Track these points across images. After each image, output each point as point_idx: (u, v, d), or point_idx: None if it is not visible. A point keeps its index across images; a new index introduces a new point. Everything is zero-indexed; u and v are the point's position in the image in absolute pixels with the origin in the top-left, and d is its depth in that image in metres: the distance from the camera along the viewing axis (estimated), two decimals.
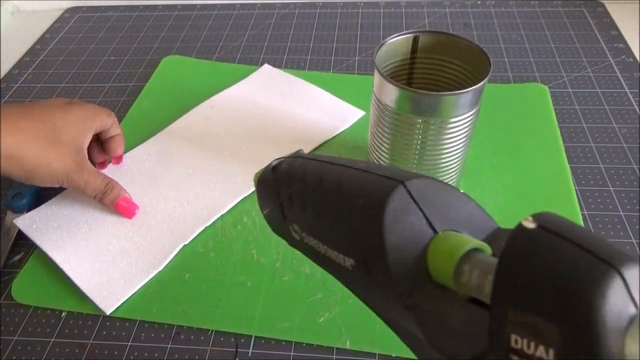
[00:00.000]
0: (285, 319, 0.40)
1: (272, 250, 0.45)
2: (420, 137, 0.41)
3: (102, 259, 0.45)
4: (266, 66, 0.65)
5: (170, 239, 0.46)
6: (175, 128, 0.58)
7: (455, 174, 0.46)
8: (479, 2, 0.77)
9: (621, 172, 0.50)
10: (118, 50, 0.73)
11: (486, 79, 0.40)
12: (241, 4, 0.81)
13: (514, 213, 0.46)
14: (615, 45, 0.67)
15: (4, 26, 0.81)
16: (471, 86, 0.39)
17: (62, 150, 0.45)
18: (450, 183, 0.36)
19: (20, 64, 0.72)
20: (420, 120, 0.40)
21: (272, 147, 0.55)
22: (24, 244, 0.48)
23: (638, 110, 0.57)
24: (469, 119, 0.41)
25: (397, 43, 0.45)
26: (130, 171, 0.53)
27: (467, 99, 0.39)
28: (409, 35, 0.44)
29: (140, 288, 0.43)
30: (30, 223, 0.48)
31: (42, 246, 0.46)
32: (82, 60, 0.72)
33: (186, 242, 0.46)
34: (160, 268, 0.44)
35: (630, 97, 0.59)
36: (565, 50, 0.67)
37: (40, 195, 0.52)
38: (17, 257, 0.47)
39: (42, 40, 0.77)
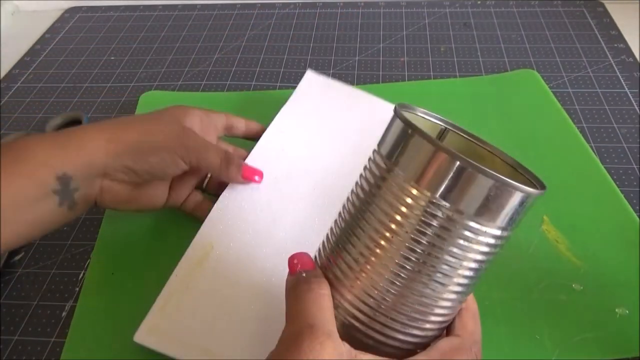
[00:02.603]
0: None
1: None
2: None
3: None
4: (310, 74, 0.57)
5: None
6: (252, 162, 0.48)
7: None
8: (479, 2, 0.77)
9: (621, 172, 0.50)
10: (118, 50, 0.73)
11: (539, 192, 0.27)
12: (241, 4, 0.81)
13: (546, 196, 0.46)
14: (615, 45, 0.67)
15: (4, 26, 0.81)
16: None
17: (163, 121, 0.42)
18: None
19: (21, 64, 0.72)
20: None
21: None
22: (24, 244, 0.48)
23: (638, 110, 0.57)
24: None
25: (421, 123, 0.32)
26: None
27: None
28: (437, 122, 0.32)
29: None
30: (157, 337, 0.39)
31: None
32: (83, 60, 0.72)
33: None
34: None
35: (630, 97, 0.59)
36: (565, 50, 0.67)
37: None
38: (17, 257, 0.47)
39: (42, 41, 0.77)
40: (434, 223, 0.26)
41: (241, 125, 0.49)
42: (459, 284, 0.27)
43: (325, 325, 0.27)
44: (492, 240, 0.26)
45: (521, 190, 0.25)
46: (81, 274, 0.45)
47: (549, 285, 0.41)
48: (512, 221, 0.26)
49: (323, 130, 0.53)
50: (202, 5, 0.82)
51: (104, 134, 0.39)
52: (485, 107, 0.58)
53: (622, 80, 0.61)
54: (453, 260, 0.26)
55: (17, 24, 0.83)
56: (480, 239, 0.26)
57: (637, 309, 0.39)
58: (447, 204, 0.25)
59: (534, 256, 0.43)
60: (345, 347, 0.27)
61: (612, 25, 0.71)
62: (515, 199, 0.25)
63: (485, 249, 0.27)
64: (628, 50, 0.66)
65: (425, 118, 0.32)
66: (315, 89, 0.56)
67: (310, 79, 0.57)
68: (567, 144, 0.53)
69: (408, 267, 0.26)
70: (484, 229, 0.26)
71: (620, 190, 0.48)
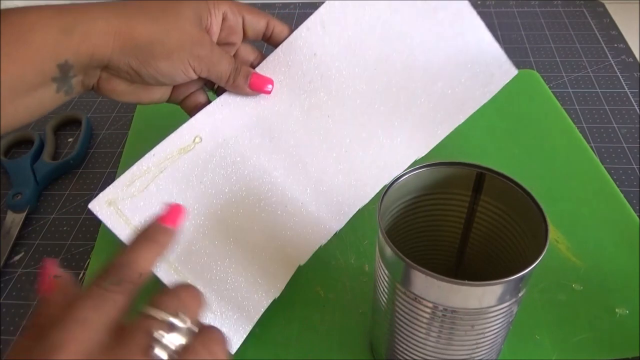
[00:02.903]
0: None
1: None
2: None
3: (215, 280, 0.37)
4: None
5: (292, 250, 0.39)
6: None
7: None
8: (479, 2, 0.77)
9: (621, 172, 0.50)
10: None
11: (538, 260, 0.26)
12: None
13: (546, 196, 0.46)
14: (615, 45, 0.67)
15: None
16: (519, 264, 0.31)
17: (180, 18, 0.37)
18: None
19: None
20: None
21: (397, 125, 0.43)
22: (24, 244, 0.48)
23: (638, 110, 0.57)
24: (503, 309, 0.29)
25: (456, 173, 0.33)
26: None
27: (505, 287, 0.27)
28: (471, 169, 0.32)
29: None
30: (111, 212, 0.36)
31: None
32: None
33: (302, 263, 0.39)
34: (278, 294, 0.38)
35: (630, 97, 0.59)
36: (565, 50, 0.67)
37: (41, 195, 0.52)
38: (17, 257, 0.47)
39: None
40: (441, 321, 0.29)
41: (285, 33, 0.43)
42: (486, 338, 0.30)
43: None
44: (497, 313, 0.28)
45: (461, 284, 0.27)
46: (81, 274, 0.45)
47: (549, 285, 0.41)
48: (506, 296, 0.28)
49: (377, 39, 0.43)
50: None
51: (114, 25, 0.35)
52: (486, 107, 0.57)
53: (622, 80, 0.61)
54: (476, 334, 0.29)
55: None
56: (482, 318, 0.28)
57: (637, 309, 0.39)
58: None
59: None
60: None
61: (612, 25, 0.71)
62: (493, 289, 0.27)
63: (496, 319, 0.29)
64: (628, 50, 0.66)
65: (461, 167, 0.32)
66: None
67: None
68: (567, 144, 0.53)
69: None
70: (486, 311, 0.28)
71: (620, 190, 0.48)
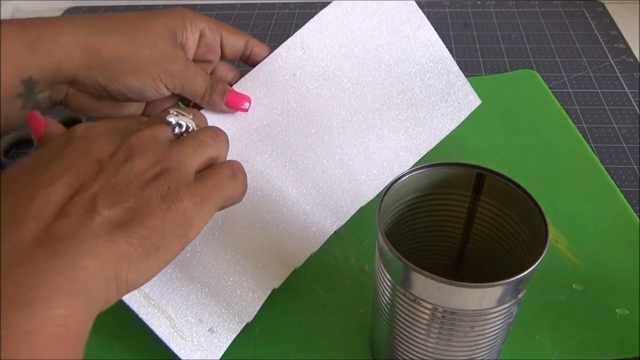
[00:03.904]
0: None
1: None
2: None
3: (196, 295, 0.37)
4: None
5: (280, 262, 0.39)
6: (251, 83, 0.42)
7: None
8: (479, 2, 0.77)
9: (621, 172, 0.50)
10: None
11: (538, 262, 0.27)
12: (241, 4, 0.81)
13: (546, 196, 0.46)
14: (615, 45, 0.67)
15: None
16: (523, 260, 0.31)
17: (152, 33, 0.36)
18: None
19: None
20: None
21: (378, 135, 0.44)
22: None
23: (638, 110, 0.57)
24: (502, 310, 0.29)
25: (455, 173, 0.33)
26: None
27: (503, 290, 0.27)
28: (471, 170, 0.32)
29: None
30: None
31: None
32: None
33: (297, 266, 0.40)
34: (252, 317, 0.38)
35: (630, 97, 0.59)
36: (565, 50, 0.67)
37: None
38: None
39: None
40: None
41: (264, 54, 0.42)
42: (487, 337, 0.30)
43: None
44: (497, 313, 0.28)
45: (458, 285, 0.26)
46: None
47: (549, 285, 0.41)
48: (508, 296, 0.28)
49: (354, 63, 0.44)
50: (202, 5, 0.82)
51: (81, 40, 0.34)
52: (486, 107, 0.57)
53: (622, 80, 0.61)
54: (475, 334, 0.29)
55: None
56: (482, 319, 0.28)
57: (637, 309, 0.39)
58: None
59: None
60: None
61: (612, 25, 0.71)
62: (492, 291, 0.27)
63: (496, 319, 0.29)
64: (628, 50, 0.66)
65: (461, 168, 0.32)
66: (359, 7, 0.44)
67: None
68: (567, 144, 0.52)
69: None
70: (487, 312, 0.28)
71: (620, 190, 0.48)
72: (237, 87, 0.41)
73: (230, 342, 0.37)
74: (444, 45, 0.46)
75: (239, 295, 0.38)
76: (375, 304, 0.33)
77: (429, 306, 0.28)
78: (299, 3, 0.80)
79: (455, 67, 0.47)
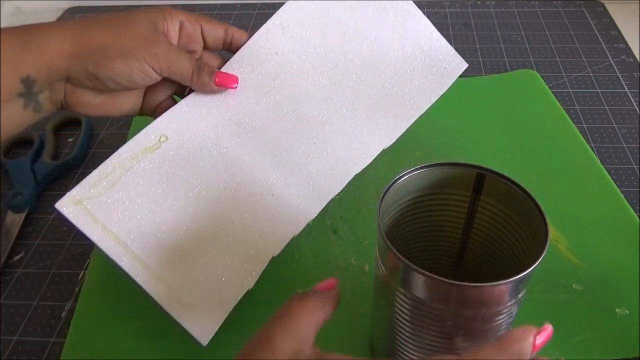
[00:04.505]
0: None
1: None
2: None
3: (189, 264, 0.38)
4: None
5: (274, 234, 0.40)
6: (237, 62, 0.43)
7: None
8: (479, 2, 0.77)
9: (621, 172, 0.50)
10: None
11: (538, 262, 0.26)
12: (241, 4, 0.81)
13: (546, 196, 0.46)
14: (615, 45, 0.67)
15: (4, 26, 0.81)
16: (523, 260, 0.31)
17: (133, 24, 0.38)
18: None
19: None
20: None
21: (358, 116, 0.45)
22: (24, 244, 0.48)
23: (638, 110, 0.57)
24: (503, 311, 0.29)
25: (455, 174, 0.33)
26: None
27: (506, 289, 0.27)
28: (471, 170, 0.32)
29: None
30: (79, 211, 0.37)
31: (103, 246, 0.37)
32: None
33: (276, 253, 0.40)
34: (251, 285, 0.38)
35: (630, 97, 0.59)
36: (565, 50, 0.67)
37: (41, 195, 0.52)
38: (17, 257, 0.47)
39: None
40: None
41: (244, 39, 0.44)
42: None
43: (290, 326, 0.26)
44: (502, 315, 0.28)
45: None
46: (81, 274, 0.45)
47: (549, 285, 0.41)
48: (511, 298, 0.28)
49: (335, 38, 0.45)
50: (202, 5, 0.82)
51: (68, 35, 0.36)
52: (485, 107, 0.58)
53: (622, 80, 0.61)
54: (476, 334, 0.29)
55: (17, 24, 0.82)
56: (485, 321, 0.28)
57: (637, 309, 0.39)
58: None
59: None
60: (310, 349, 0.26)
61: (612, 25, 0.71)
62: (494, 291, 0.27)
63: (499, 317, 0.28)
64: (628, 50, 0.66)
65: (461, 168, 0.32)
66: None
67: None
68: (567, 144, 0.53)
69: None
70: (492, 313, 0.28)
71: (620, 190, 0.48)
72: (223, 70, 0.43)
73: (230, 309, 0.38)
74: (422, 14, 0.47)
75: (236, 264, 0.39)
76: (375, 303, 0.33)
77: (429, 306, 0.28)
78: None
79: (436, 34, 0.47)
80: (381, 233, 0.28)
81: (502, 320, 0.29)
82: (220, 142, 0.42)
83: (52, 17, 0.82)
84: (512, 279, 0.26)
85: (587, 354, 0.37)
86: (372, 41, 0.46)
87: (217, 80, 0.41)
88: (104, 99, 0.40)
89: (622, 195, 0.47)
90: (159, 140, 0.40)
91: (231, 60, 0.43)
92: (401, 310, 0.29)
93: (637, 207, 0.47)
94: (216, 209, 0.40)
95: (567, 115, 0.55)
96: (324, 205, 0.42)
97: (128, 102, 0.41)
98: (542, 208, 0.29)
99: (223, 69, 0.43)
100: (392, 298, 0.30)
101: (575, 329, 0.38)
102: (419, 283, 0.27)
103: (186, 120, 0.41)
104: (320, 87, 0.44)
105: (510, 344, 0.25)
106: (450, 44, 0.70)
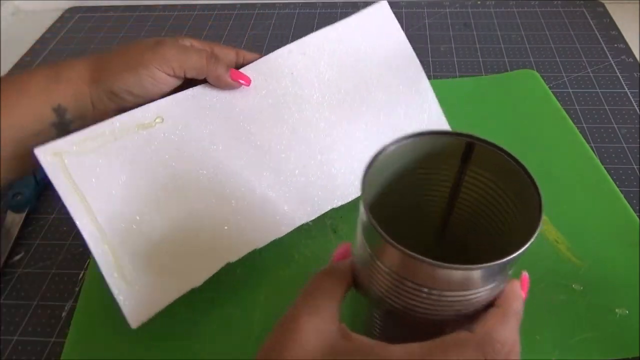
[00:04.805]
0: None
1: None
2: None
3: (145, 248, 0.38)
4: (383, 6, 0.48)
5: (227, 244, 0.40)
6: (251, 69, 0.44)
7: None
8: (479, 2, 0.77)
9: (621, 172, 0.50)
10: None
11: (532, 240, 0.26)
12: (241, 4, 0.81)
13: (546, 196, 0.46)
14: (615, 45, 0.67)
15: (4, 26, 0.81)
16: (510, 239, 0.29)
17: (142, 42, 0.40)
18: None
19: (21, 64, 0.72)
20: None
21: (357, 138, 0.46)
22: (24, 244, 0.48)
23: (638, 110, 0.57)
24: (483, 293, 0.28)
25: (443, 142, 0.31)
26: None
27: (491, 272, 0.26)
28: (460, 138, 0.31)
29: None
30: (56, 163, 0.37)
31: (64, 195, 0.37)
32: None
33: (232, 260, 0.40)
34: (199, 284, 0.39)
35: (630, 97, 0.59)
36: (565, 50, 0.67)
37: (41, 195, 0.52)
38: (17, 257, 0.47)
39: (43, 41, 0.77)
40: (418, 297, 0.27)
41: (256, 58, 0.45)
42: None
43: (314, 304, 0.27)
44: (483, 293, 0.27)
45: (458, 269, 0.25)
46: (81, 274, 0.45)
47: (549, 285, 0.41)
48: (489, 279, 0.26)
49: (352, 75, 0.46)
50: (202, 5, 0.82)
51: (88, 64, 0.39)
52: (485, 107, 0.58)
53: (622, 80, 0.61)
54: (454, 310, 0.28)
55: (17, 24, 0.83)
56: (467, 297, 0.27)
57: (637, 309, 0.39)
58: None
59: (534, 256, 0.43)
60: (336, 325, 0.27)
61: (612, 25, 0.71)
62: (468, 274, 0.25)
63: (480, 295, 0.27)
64: (628, 50, 0.66)
65: (449, 137, 0.31)
66: (375, 27, 0.48)
67: (379, 12, 0.48)
68: (567, 144, 0.52)
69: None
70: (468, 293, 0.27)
71: (620, 190, 0.48)
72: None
73: (170, 301, 0.37)
74: (408, 43, 0.49)
75: (193, 257, 0.39)
76: (356, 280, 0.31)
77: (410, 284, 0.26)
78: (299, 3, 0.80)
79: (415, 61, 0.49)
80: (365, 206, 0.27)
81: (488, 299, 0.28)
82: (213, 139, 0.42)
83: (52, 17, 0.82)
84: (498, 262, 0.24)
85: (587, 354, 0.37)
86: (373, 74, 0.47)
87: (232, 74, 0.42)
88: None
89: (622, 195, 0.47)
90: (155, 120, 0.40)
91: (248, 67, 0.44)
92: (383, 286, 0.28)
93: (637, 207, 0.47)
94: (187, 201, 0.40)
95: (567, 115, 0.55)
96: (296, 226, 0.42)
97: None
98: (536, 180, 0.28)
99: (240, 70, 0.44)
100: (374, 274, 0.28)
101: (575, 329, 0.38)
102: (398, 260, 0.26)
103: (186, 109, 0.41)
104: (323, 115, 0.45)
105: (509, 306, 0.27)
106: (450, 44, 0.71)
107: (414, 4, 0.78)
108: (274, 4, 0.80)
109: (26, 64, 0.72)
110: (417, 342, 0.26)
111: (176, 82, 0.41)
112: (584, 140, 0.52)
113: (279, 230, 0.41)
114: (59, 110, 0.38)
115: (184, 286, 0.38)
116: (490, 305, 0.28)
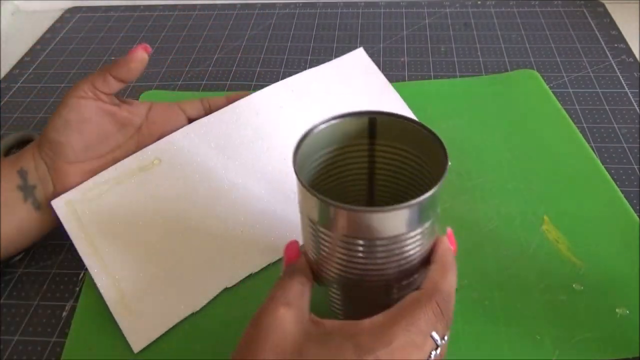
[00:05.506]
0: None
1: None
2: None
3: (147, 276, 0.41)
4: (361, 52, 0.56)
5: (229, 268, 0.42)
6: (245, 105, 0.48)
7: None
8: (479, 2, 0.77)
9: (621, 172, 0.50)
10: (118, 51, 0.73)
11: (439, 183, 0.29)
12: (241, 4, 0.81)
13: (546, 196, 0.46)
14: (615, 45, 0.67)
15: (4, 26, 0.81)
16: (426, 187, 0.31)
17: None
18: None
19: (21, 64, 0.72)
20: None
21: None
22: None
23: (638, 110, 0.57)
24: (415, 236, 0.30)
25: (349, 124, 0.34)
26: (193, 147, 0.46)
27: (410, 214, 0.29)
28: (362, 116, 0.34)
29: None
30: (67, 210, 0.42)
31: (75, 239, 0.42)
32: (83, 60, 0.72)
33: (231, 285, 0.42)
34: (197, 309, 0.40)
35: (630, 97, 0.59)
36: (565, 50, 0.67)
37: None
38: (17, 257, 0.47)
39: (43, 41, 0.77)
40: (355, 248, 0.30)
41: (222, 102, 0.50)
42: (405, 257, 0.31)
43: (288, 298, 0.29)
44: (413, 240, 0.30)
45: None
46: (81, 274, 0.45)
47: (549, 285, 0.41)
48: (416, 221, 0.29)
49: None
50: (202, 5, 0.82)
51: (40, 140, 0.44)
52: (485, 107, 0.58)
53: (622, 80, 0.61)
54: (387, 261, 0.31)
55: (17, 24, 0.83)
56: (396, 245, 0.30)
57: (637, 309, 0.39)
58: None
59: (534, 256, 0.43)
60: (308, 316, 0.29)
61: (612, 25, 0.71)
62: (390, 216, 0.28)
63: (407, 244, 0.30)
64: (628, 50, 0.66)
65: (351, 117, 0.34)
66: (357, 68, 0.54)
67: (357, 57, 0.55)
68: (567, 144, 0.52)
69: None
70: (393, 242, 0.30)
71: (620, 190, 0.48)
72: (230, 109, 0.48)
73: (170, 326, 0.39)
74: (387, 83, 0.54)
75: (191, 285, 0.41)
76: (313, 269, 0.34)
77: (351, 241, 0.29)
78: (299, 3, 0.80)
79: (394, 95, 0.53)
80: (298, 176, 0.30)
81: (414, 246, 0.30)
82: (210, 172, 0.45)
83: (52, 17, 0.82)
84: (410, 203, 0.27)
85: (587, 354, 0.37)
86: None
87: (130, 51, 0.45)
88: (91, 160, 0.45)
89: (622, 195, 0.47)
90: (152, 162, 0.45)
91: (240, 101, 0.48)
92: (331, 257, 0.31)
93: (637, 207, 0.47)
94: (186, 233, 0.43)
95: (567, 115, 0.55)
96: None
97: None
98: (437, 133, 0.31)
99: (230, 107, 0.49)
100: (315, 234, 0.31)
101: (575, 329, 0.38)
102: (327, 213, 0.29)
103: (180, 148, 0.46)
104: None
105: (445, 260, 0.31)
106: (451, 44, 0.71)
107: (414, 4, 0.78)
108: (274, 4, 0.80)
109: (26, 64, 0.72)
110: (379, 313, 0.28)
111: (109, 108, 0.45)
112: (584, 140, 0.52)
113: (276, 253, 0.43)
114: (21, 172, 0.42)
115: (183, 311, 0.40)
116: (427, 263, 0.32)
